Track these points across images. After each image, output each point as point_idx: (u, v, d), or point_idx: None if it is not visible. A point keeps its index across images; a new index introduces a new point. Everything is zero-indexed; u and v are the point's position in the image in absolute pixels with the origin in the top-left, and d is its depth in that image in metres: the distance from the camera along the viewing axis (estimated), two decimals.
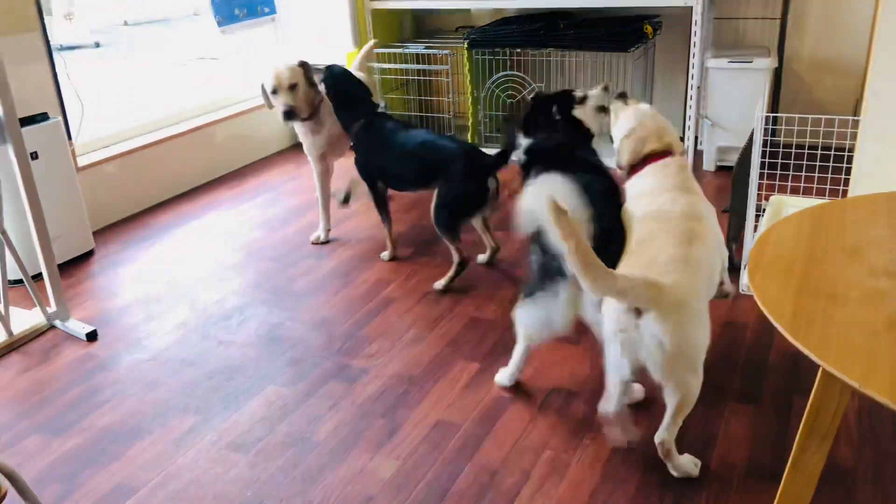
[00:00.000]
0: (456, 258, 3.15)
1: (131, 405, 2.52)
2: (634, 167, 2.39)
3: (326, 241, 3.68)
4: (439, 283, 3.16)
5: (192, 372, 2.69)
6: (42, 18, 3.60)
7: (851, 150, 3.24)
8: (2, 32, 3.40)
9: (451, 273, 3.17)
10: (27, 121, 3.33)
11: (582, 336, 2.75)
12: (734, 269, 3.09)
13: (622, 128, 2.45)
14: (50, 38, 3.67)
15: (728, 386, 2.43)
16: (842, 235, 1.58)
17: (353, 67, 3.86)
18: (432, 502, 2.03)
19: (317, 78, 3.43)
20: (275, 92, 3.44)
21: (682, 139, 4.41)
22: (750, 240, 3.04)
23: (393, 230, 3.48)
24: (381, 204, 3.41)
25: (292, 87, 3.42)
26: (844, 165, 3.13)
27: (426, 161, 3.17)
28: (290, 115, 3.44)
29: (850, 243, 1.54)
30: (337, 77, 3.39)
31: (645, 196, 2.28)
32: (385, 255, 3.49)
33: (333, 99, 3.38)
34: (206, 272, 3.46)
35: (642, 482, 2.05)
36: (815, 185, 3.30)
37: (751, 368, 2.52)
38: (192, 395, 2.56)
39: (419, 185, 3.31)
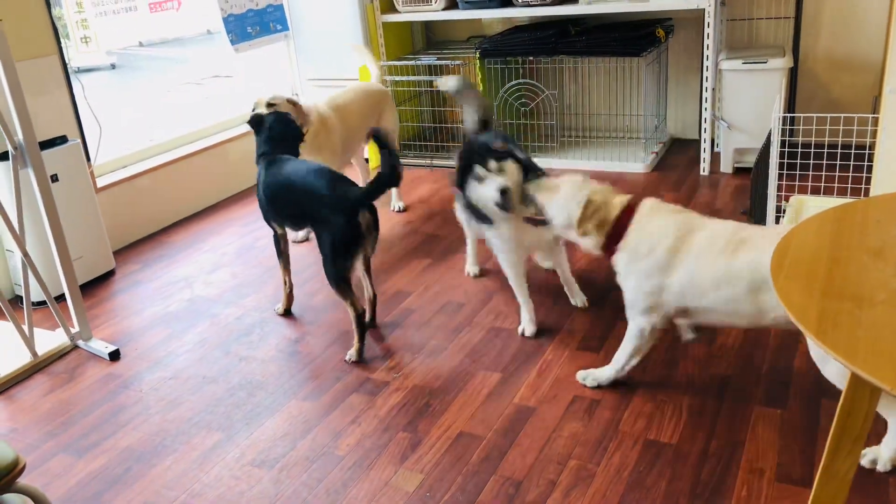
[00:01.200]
0: (352, 315, 2.79)
1: (155, 423, 2.53)
2: (611, 237, 2.30)
3: None
4: (350, 355, 2.80)
5: (214, 388, 2.70)
6: (59, 42, 3.65)
7: (871, 147, 3.20)
8: (20, 57, 3.45)
9: (355, 341, 2.80)
10: (47, 144, 3.38)
11: (604, 343, 2.73)
12: None
13: (571, 208, 2.32)
14: (67, 62, 3.72)
15: (753, 390, 2.40)
16: (865, 236, 1.55)
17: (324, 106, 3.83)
18: None
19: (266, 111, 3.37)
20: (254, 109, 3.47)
21: (699, 141, 4.40)
22: None
23: (290, 279, 3.17)
24: (276, 244, 3.15)
25: (269, 107, 3.42)
26: (865, 164, 3.09)
27: (297, 202, 2.86)
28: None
29: (873, 244, 1.51)
30: (263, 117, 3.22)
31: (671, 243, 2.19)
32: (278, 307, 3.19)
33: (256, 134, 3.18)
34: (226, 288, 3.48)
35: (668, 490, 2.03)
36: (836, 185, 3.26)
37: (776, 372, 2.48)
38: (214, 412, 2.56)
39: (301, 227, 3.12)
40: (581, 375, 2.53)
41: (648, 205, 2.30)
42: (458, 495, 2.08)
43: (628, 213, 2.28)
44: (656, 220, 2.26)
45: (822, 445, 2.11)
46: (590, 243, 2.34)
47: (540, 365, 2.65)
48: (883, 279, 1.37)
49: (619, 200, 2.32)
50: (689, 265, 2.17)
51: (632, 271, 2.27)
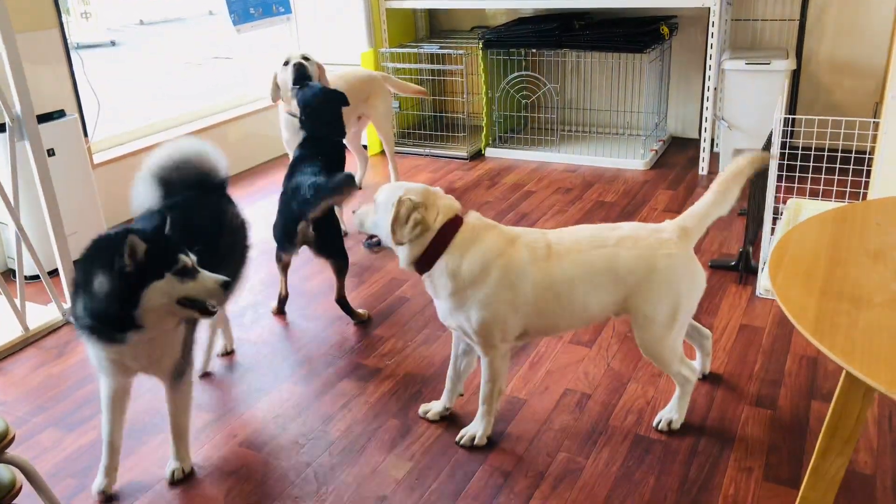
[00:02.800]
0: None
1: (145, 401, 2.52)
2: (428, 253, 2.02)
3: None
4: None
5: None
6: (60, 16, 3.62)
7: (871, 152, 3.21)
8: (20, 29, 3.41)
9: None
10: (44, 118, 3.35)
11: (596, 338, 2.73)
12: (751, 271, 3.07)
13: (385, 208, 2.04)
14: (67, 37, 3.69)
15: (744, 390, 2.41)
16: (865, 238, 1.56)
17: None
18: (445, 503, 2.02)
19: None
20: (286, 63, 3.47)
21: (698, 140, 4.40)
22: (767, 243, 3.01)
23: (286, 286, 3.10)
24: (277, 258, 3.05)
25: (306, 59, 3.46)
26: (865, 168, 3.10)
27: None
28: (300, 71, 3.41)
29: (873, 246, 1.51)
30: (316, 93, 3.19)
31: (495, 276, 2.00)
32: (273, 305, 3.13)
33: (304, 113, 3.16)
34: None
35: (657, 485, 2.03)
36: (834, 188, 3.27)
37: (767, 373, 2.49)
38: (205, 392, 2.56)
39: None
40: (457, 438, 2.26)
41: (475, 218, 2.10)
42: (447, 484, 2.09)
43: (449, 228, 2.04)
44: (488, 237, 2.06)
45: (810, 447, 2.13)
46: (402, 255, 2.06)
47: (532, 357, 2.65)
48: (881, 282, 1.37)
49: (447, 206, 2.06)
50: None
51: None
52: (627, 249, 2.04)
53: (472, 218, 2.08)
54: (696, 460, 2.12)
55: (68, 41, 3.69)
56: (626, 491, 2.02)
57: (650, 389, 2.43)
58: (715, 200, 2.11)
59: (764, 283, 2.94)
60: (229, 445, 2.29)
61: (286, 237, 2.83)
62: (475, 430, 2.24)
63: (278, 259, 2.99)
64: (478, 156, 4.86)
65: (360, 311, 2.98)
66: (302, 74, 3.40)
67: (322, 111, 3.14)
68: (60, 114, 3.47)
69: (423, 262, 2.05)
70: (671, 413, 2.25)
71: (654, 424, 2.26)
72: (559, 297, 2.06)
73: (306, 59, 3.47)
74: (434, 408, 2.37)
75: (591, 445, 2.20)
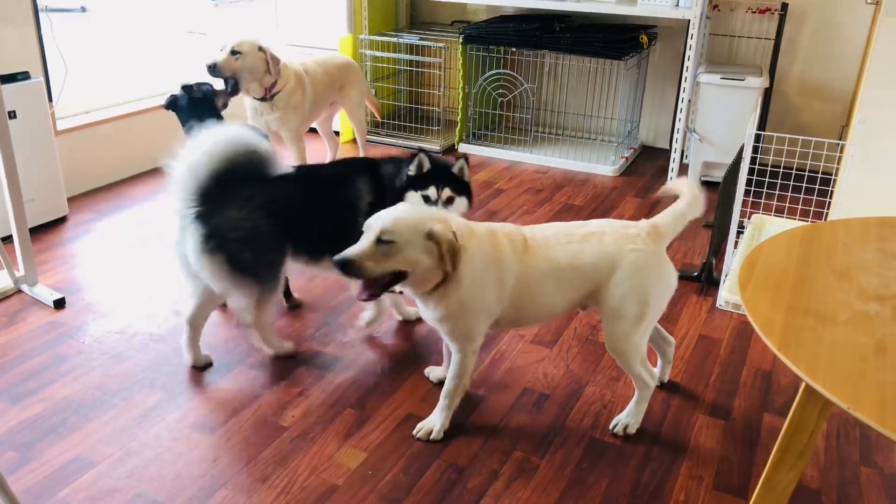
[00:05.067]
0: None
1: (96, 377, 2.46)
2: (447, 275, 1.96)
3: None
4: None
5: (161, 347, 2.63)
6: None
7: (834, 174, 3.27)
8: None
9: None
10: (8, 78, 3.24)
11: (558, 339, 2.74)
12: (713, 283, 3.11)
13: (418, 238, 1.92)
14: None
15: (700, 399, 2.43)
16: (832, 256, 1.58)
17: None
18: (398, 496, 2.00)
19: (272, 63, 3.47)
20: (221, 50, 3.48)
21: (669, 150, 4.44)
22: (730, 255, 3.05)
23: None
24: None
25: (234, 54, 3.44)
26: (830, 189, 3.16)
27: None
28: (212, 70, 3.44)
29: (840, 265, 1.54)
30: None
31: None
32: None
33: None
34: None
35: (609, 489, 2.04)
36: (799, 206, 3.33)
37: (723, 383, 2.52)
38: (158, 371, 2.50)
39: None
40: (414, 432, 2.24)
41: (461, 224, 2.05)
42: (401, 476, 2.07)
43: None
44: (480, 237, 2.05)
45: (760, 459, 2.16)
46: (422, 285, 1.98)
47: (494, 354, 2.64)
48: (846, 300, 1.39)
49: (454, 219, 2.03)
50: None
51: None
52: (592, 246, 2.06)
53: (459, 224, 2.03)
54: (648, 466, 2.14)
55: (37, 2, 3.58)
56: (578, 493, 2.03)
57: (607, 393, 2.45)
58: (689, 201, 2.15)
59: (725, 295, 2.98)
60: (180, 426, 2.24)
61: None
62: (433, 423, 2.23)
63: None
64: (451, 150, 4.84)
65: (296, 295, 2.96)
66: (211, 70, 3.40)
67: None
68: (25, 75, 3.36)
69: (440, 283, 1.98)
70: (628, 418, 2.26)
71: (611, 428, 2.27)
72: (531, 291, 2.08)
73: (236, 52, 3.43)
74: (436, 372, 2.48)
75: (547, 446, 2.21)
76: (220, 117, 2.97)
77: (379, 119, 4.86)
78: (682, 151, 4.42)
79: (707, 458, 2.18)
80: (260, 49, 3.48)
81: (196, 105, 2.93)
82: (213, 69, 3.44)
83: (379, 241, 1.89)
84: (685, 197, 2.16)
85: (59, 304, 2.87)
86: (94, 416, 2.27)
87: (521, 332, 2.78)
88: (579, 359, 2.63)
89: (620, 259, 2.05)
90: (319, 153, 4.49)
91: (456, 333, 2.10)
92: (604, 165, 4.53)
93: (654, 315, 2.15)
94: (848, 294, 1.41)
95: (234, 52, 3.43)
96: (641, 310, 2.08)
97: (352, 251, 1.88)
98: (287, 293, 2.93)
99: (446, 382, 2.20)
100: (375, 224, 1.91)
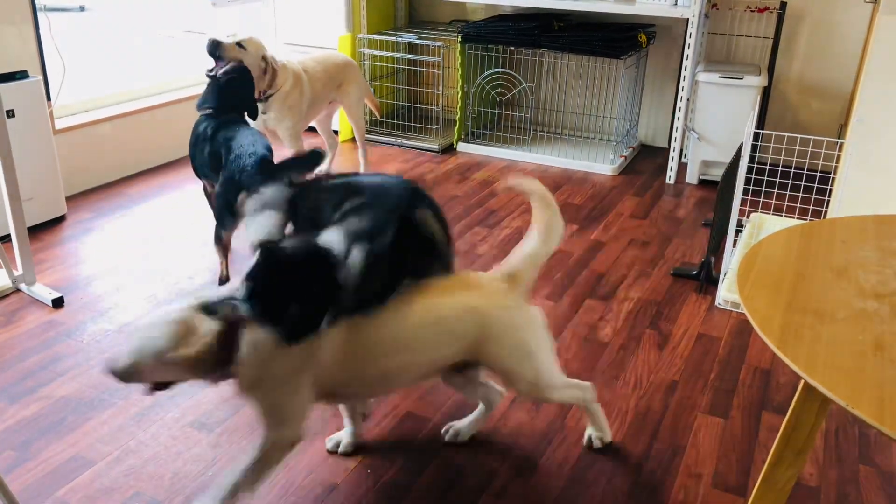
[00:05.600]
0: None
1: (94, 376, 2.45)
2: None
3: None
4: None
5: None
6: None
7: (833, 173, 3.27)
8: None
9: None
10: (6, 77, 3.24)
11: (556, 338, 2.74)
12: (712, 282, 3.11)
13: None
14: None
15: (699, 398, 2.44)
16: (830, 254, 1.58)
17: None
18: (396, 494, 2.00)
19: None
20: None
21: (668, 149, 4.45)
22: (728, 254, 3.06)
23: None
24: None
25: (239, 45, 3.36)
26: (828, 188, 3.16)
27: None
28: (214, 47, 3.32)
29: (838, 263, 1.54)
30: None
31: None
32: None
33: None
34: (180, 246, 3.39)
35: (607, 488, 2.04)
36: (798, 205, 3.33)
37: (722, 382, 2.52)
38: None
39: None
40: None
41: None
42: (399, 474, 2.07)
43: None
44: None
45: (759, 457, 2.17)
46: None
47: None
48: (845, 298, 1.39)
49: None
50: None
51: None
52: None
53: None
54: (647, 464, 2.14)
55: (35, 1, 3.57)
56: (576, 492, 2.03)
57: (607, 392, 2.45)
58: (543, 234, 1.98)
59: (723, 293, 2.98)
60: (179, 425, 2.24)
61: (227, 210, 2.76)
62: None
63: (218, 239, 2.92)
64: (449, 149, 4.84)
65: None
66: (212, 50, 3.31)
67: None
68: (23, 74, 3.35)
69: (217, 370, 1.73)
70: (595, 431, 2.19)
71: (589, 447, 2.20)
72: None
73: (239, 44, 3.36)
74: (342, 438, 2.18)
75: (546, 445, 2.21)
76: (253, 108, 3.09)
77: (378, 118, 4.86)
78: (681, 150, 4.42)
79: (706, 456, 2.18)
80: (263, 57, 3.44)
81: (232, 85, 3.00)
82: (216, 46, 3.31)
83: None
84: (538, 228, 1.94)
85: (58, 303, 2.86)
86: (92, 415, 2.27)
87: None
88: (579, 357, 2.63)
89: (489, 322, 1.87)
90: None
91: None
92: (602, 164, 4.53)
93: (547, 353, 2.00)
94: (846, 292, 1.41)
95: (239, 44, 3.39)
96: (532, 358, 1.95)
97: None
98: None
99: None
100: None
